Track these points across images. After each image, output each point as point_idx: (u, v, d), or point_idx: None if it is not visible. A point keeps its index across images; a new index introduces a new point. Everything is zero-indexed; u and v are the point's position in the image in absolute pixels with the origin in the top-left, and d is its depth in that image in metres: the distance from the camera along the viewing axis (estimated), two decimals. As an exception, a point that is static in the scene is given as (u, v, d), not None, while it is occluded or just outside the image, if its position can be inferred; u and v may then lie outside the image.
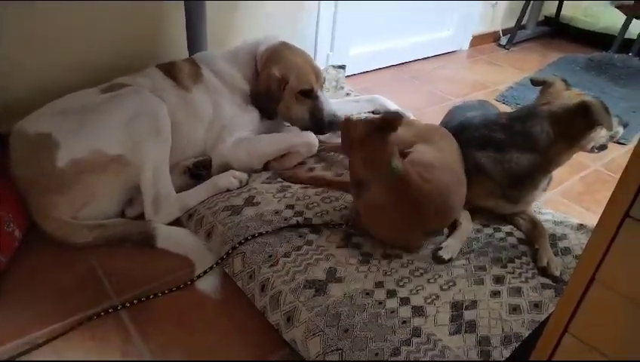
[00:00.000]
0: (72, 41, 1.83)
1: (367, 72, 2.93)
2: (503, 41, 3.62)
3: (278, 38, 1.84)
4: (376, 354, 1.12)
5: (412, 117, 2.19)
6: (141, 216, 1.52)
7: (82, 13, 1.81)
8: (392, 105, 2.20)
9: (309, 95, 1.77)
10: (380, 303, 1.25)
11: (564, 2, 3.77)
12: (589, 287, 0.82)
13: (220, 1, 2.12)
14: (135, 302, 1.28)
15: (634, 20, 3.36)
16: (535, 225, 1.55)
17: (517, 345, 1.18)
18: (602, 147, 1.52)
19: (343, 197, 1.61)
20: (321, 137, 1.83)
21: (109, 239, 1.44)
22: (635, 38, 3.36)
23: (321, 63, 2.54)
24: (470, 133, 1.58)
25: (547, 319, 1.07)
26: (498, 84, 2.97)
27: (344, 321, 1.19)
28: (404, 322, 1.21)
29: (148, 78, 1.67)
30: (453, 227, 1.50)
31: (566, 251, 1.49)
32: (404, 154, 1.49)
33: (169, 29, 2.06)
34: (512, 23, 3.64)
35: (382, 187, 1.32)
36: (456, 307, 1.26)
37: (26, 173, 1.42)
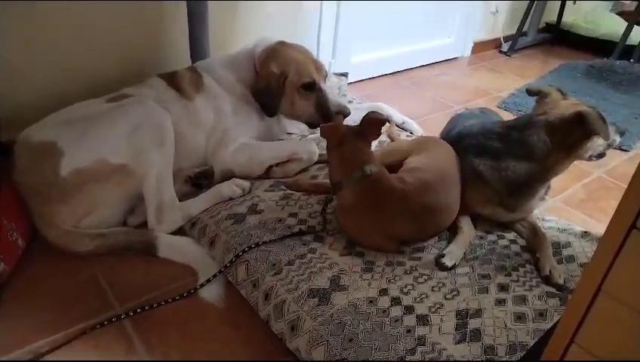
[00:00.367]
0: (73, 44, 1.83)
1: (369, 79, 2.94)
2: (504, 47, 3.63)
3: (275, 38, 1.83)
4: (381, 363, 1.12)
5: (416, 126, 2.19)
6: (143, 225, 1.52)
7: (82, 15, 1.81)
8: (396, 114, 2.20)
9: (311, 88, 1.75)
10: (384, 311, 1.25)
11: (565, 9, 3.78)
12: (596, 298, 0.82)
13: (220, 1, 2.11)
14: (138, 310, 1.28)
15: (635, 27, 3.37)
16: (536, 232, 1.55)
17: (522, 354, 1.17)
18: (600, 155, 1.52)
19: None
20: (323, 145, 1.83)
21: (111, 248, 1.44)
22: (636, 44, 3.37)
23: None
24: (468, 140, 1.59)
25: (552, 328, 1.07)
26: (500, 90, 2.97)
27: (348, 330, 1.18)
28: (409, 331, 1.20)
29: (152, 88, 1.68)
30: (455, 233, 1.50)
31: (570, 259, 1.49)
32: (398, 166, 1.55)
33: (170, 33, 2.06)
34: (513, 30, 3.65)
35: (351, 189, 1.40)
36: (461, 315, 1.26)
37: (30, 181, 1.42)
